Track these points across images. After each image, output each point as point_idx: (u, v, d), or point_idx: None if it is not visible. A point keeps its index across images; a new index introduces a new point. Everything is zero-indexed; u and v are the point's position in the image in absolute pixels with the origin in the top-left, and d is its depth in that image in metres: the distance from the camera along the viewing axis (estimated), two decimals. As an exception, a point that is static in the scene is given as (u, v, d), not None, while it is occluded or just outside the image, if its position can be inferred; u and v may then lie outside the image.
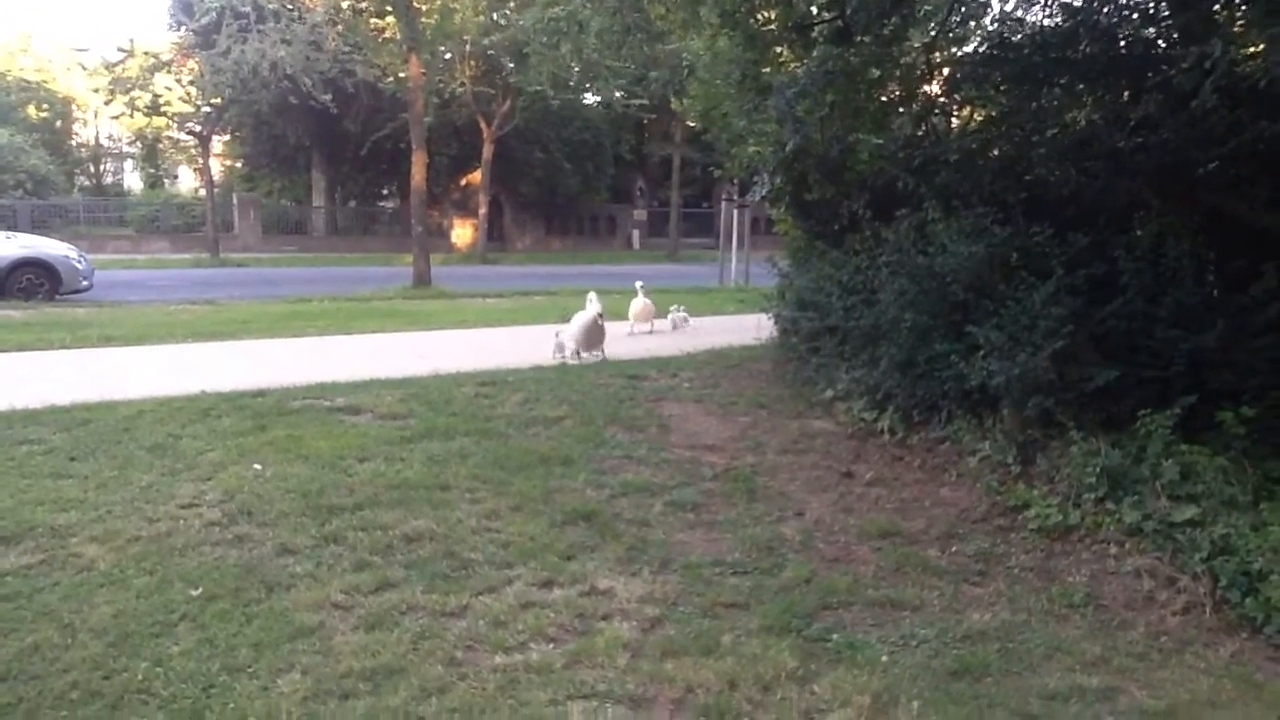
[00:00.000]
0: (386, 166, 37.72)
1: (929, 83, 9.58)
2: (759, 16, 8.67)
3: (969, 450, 6.54)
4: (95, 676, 3.72)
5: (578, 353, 10.25)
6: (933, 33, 8.94)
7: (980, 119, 9.04)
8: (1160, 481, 5.32)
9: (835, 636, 4.29)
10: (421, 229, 20.76)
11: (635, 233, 42.35)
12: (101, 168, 58.17)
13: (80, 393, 8.09)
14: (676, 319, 13.19)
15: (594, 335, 10.12)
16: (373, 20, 22.57)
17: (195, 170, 47.31)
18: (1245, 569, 4.59)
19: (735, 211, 22.35)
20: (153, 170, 57.04)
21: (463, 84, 29.33)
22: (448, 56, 30.33)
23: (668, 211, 40.28)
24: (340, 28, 23.61)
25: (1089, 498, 5.51)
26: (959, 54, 8.85)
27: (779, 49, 8.93)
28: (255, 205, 36.96)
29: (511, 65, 30.58)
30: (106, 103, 30.61)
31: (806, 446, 7.13)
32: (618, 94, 32.82)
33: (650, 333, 12.62)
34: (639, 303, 12.44)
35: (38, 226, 30.99)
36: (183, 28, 29.35)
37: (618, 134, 40.65)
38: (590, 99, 37.79)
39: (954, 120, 9.80)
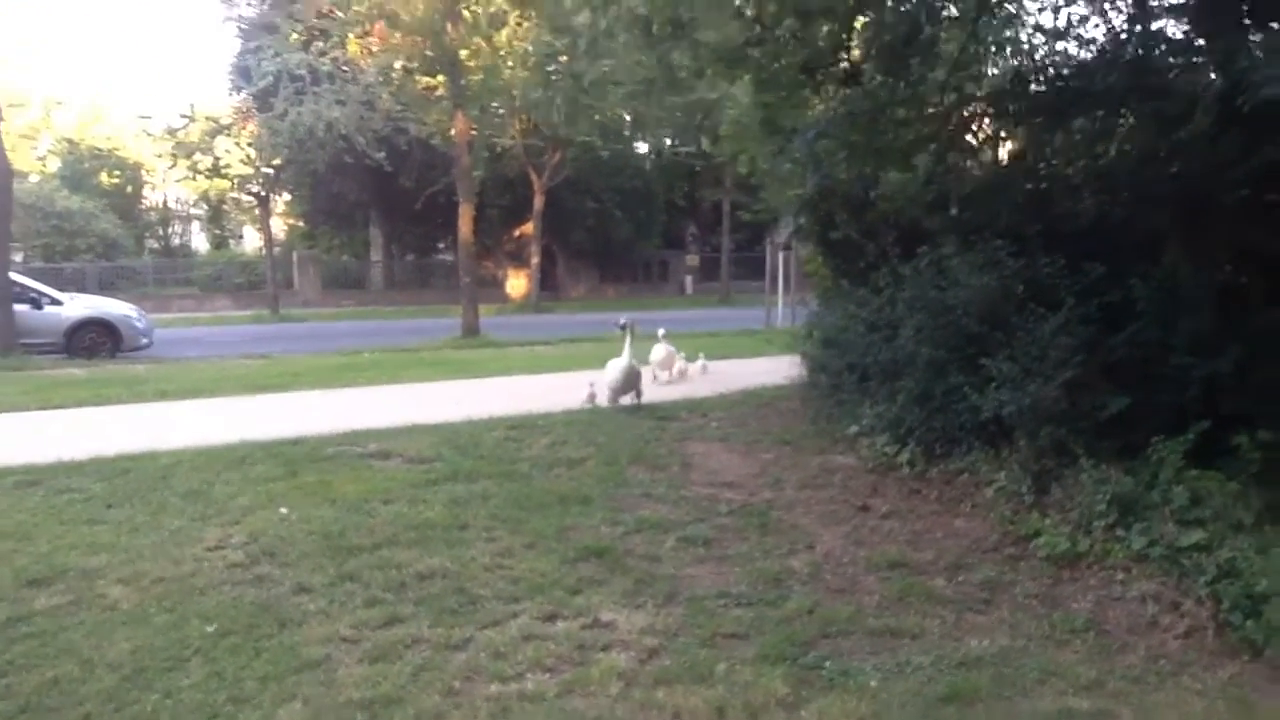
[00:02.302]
0: (441, 220, 38.41)
1: (949, 120, 9.64)
2: (780, 61, 8.80)
3: (985, 481, 6.54)
4: (108, 709, 3.89)
5: (614, 398, 10.26)
6: (944, 74, 8.99)
7: (1005, 153, 9.11)
8: (1170, 507, 5.29)
9: (828, 664, 4.32)
10: (469, 280, 21.18)
11: (688, 278, 42.62)
12: (169, 230, 59.89)
13: (128, 444, 8.39)
14: (694, 368, 13.00)
15: (629, 381, 10.13)
16: (424, 79, 23.18)
17: (259, 229, 48.62)
18: (1249, 592, 4.55)
19: (781, 254, 22.44)
20: (218, 231, 58.74)
21: (513, 137, 29.91)
22: (501, 113, 30.92)
23: (720, 256, 40.55)
24: (392, 88, 24.27)
25: (1099, 525, 5.49)
26: (977, 91, 8.90)
27: (793, 92, 9.03)
28: (315, 262, 37.91)
29: (571, 117, 31.02)
30: (170, 167, 31.77)
31: (825, 482, 7.17)
32: (668, 141, 33.24)
33: (670, 381, 12.47)
34: (660, 349, 12.40)
35: (106, 288, 32.12)
36: (242, 92, 30.40)
37: (670, 181, 41.08)
38: (642, 147, 38.32)
39: (983, 155, 9.86)
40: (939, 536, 6.03)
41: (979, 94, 9.40)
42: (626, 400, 10.14)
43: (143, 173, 54.67)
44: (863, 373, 8.22)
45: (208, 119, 28.88)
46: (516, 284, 38.69)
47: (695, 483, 7.23)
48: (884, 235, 9.03)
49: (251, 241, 58.11)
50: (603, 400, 10.41)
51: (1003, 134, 9.04)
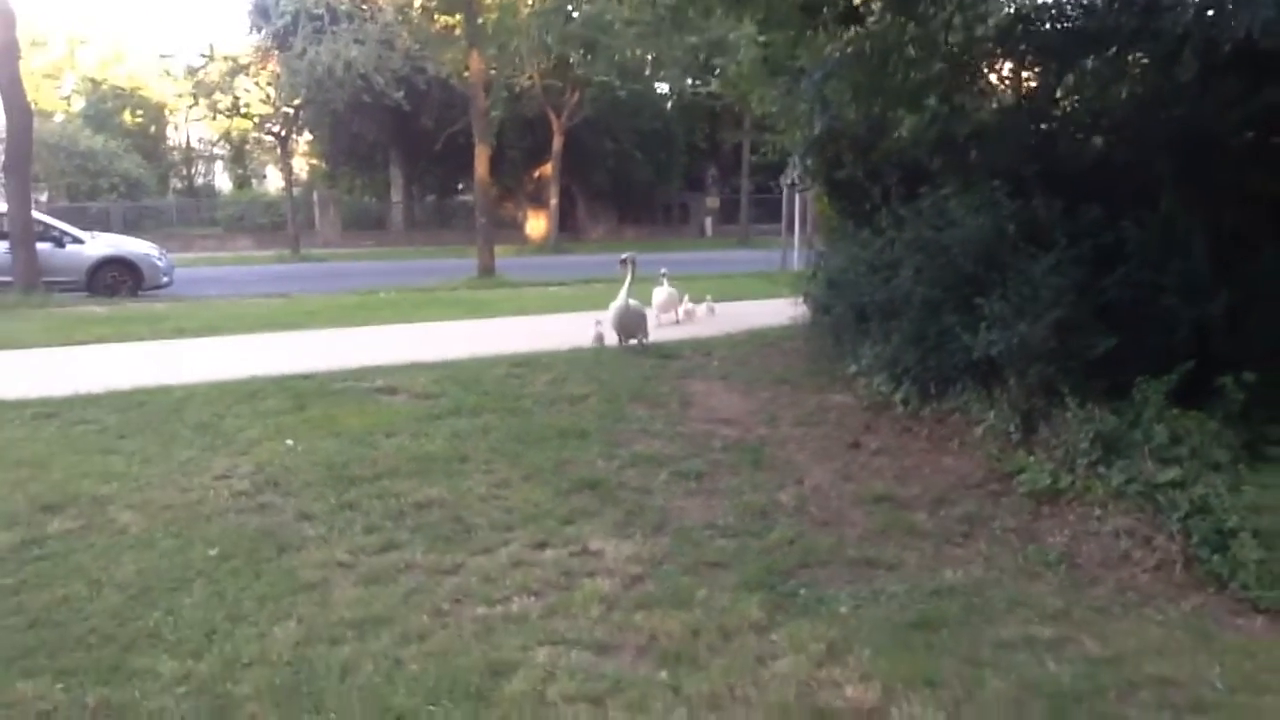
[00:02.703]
0: (461, 161, 37.98)
1: (958, 61, 9.58)
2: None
3: (977, 420, 6.63)
4: (112, 624, 4.09)
5: (621, 339, 10.33)
6: (951, 12, 8.94)
7: (1013, 95, 9.08)
8: (1150, 445, 5.39)
9: (804, 591, 4.48)
10: (485, 221, 21.23)
11: (708, 220, 42.51)
12: (193, 170, 60.12)
13: (145, 379, 8.57)
14: (701, 309, 12.86)
15: (628, 322, 10.11)
16: (442, 18, 23.08)
17: (280, 170, 48.67)
18: (1219, 527, 4.66)
19: (797, 196, 22.32)
20: (241, 171, 58.95)
21: (531, 78, 29.77)
22: (523, 53, 30.66)
23: (740, 198, 40.39)
24: (410, 26, 24.19)
25: (1082, 463, 5.58)
26: (985, 32, 8.84)
27: (799, 31, 8.98)
28: (335, 202, 38.12)
29: (588, 57, 30.60)
30: (189, 107, 31.88)
31: (820, 419, 7.29)
32: (689, 82, 32.93)
33: (676, 323, 12.42)
34: (662, 292, 12.38)
35: (130, 227, 32.34)
36: (261, 31, 30.38)
37: (691, 123, 40.78)
38: (663, 88, 38.05)
39: (992, 96, 9.80)
40: (926, 473, 6.15)
41: (987, 34, 9.34)
42: (633, 341, 10.17)
43: (166, 112, 54.86)
44: (862, 313, 8.28)
45: (226, 58, 28.87)
46: (536, 225, 38.68)
47: (693, 419, 7.37)
48: (888, 176, 9.04)
49: (275, 182, 58.26)
50: (610, 339, 10.50)
51: (1012, 75, 8.98)
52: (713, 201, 43.25)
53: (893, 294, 7.48)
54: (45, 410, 7.43)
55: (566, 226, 37.77)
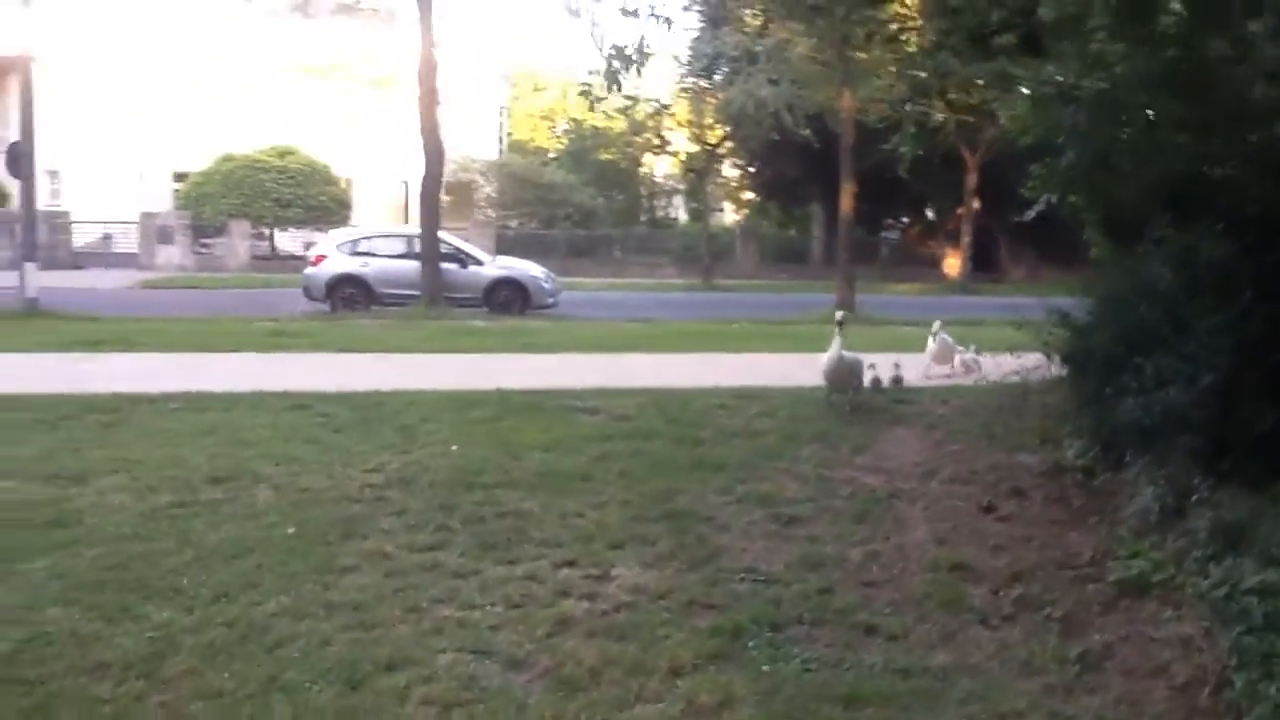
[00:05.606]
0: (883, 197, 38.11)
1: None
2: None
3: (1140, 494, 5.79)
4: (159, 577, 4.85)
5: (830, 390, 9.07)
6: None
7: None
8: (1271, 544, 4.48)
9: (763, 646, 4.27)
10: (846, 257, 21.16)
11: (1147, 264, 38.76)
12: (655, 203, 64.78)
13: (430, 383, 9.62)
14: (967, 361, 11.21)
15: (840, 374, 8.98)
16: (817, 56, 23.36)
17: (735, 205, 51.16)
18: (1272, 650, 3.81)
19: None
20: (696, 205, 62.60)
21: (942, 114, 29.03)
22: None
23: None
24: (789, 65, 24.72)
25: (1196, 555, 4.75)
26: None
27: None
28: (755, 235, 39.55)
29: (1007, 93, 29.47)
30: (626, 144, 34.65)
31: (979, 479, 6.68)
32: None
33: (951, 375, 11.11)
34: (936, 343, 11.35)
35: (578, 255, 35.84)
36: (685, 74, 32.34)
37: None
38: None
39: None
40: (1034, 546, 5.49)
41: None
42: (838, 398, 9.40)
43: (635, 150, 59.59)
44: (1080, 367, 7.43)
45: (650, 100, 31.10)
46: (953, 264, 37.48)
47: (850, 465, 7.05)
48: (1162, 217, 8.01)
49: (730, 216, 61.41)
50: (886, 382, 10.00)
51: None
52: (1151, 244, 39.34)
53: (1076, 347, 6.71)
54: (303, 403, 8.59)
55: (987, 266, 36.24)
